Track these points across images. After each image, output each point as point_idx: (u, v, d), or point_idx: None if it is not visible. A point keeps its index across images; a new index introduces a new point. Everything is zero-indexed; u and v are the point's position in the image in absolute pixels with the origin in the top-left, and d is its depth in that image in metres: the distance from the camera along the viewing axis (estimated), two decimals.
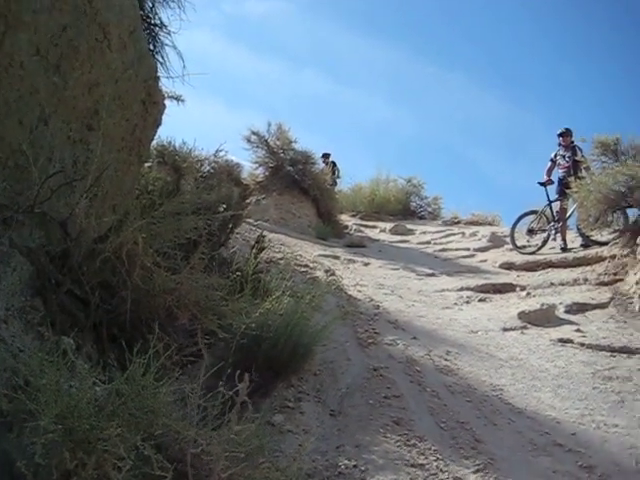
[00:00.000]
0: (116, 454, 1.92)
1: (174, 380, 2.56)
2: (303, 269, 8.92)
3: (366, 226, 17.35)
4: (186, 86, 5.46)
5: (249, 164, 15.66)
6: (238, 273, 4.78)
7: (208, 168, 7.08)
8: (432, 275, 10.52)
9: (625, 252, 9.39)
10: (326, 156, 19.52)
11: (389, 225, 17.09)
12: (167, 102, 4.94)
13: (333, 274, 9.33)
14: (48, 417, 1.98)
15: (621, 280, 8.99)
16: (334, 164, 19.68)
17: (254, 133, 15.43)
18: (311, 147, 16.51)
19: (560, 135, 12.22)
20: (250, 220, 10.79)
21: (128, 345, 2.65)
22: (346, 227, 16.18)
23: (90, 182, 3.47)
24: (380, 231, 16.73)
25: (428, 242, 14.74)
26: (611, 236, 10.25)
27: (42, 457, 1.94)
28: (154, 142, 5.49)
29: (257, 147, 15.50)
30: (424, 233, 16.07)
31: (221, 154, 7.39)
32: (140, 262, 3.33)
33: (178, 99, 5.67)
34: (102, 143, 3.59)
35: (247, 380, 2.45)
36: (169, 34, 5.52)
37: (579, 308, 8.39)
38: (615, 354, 6.85)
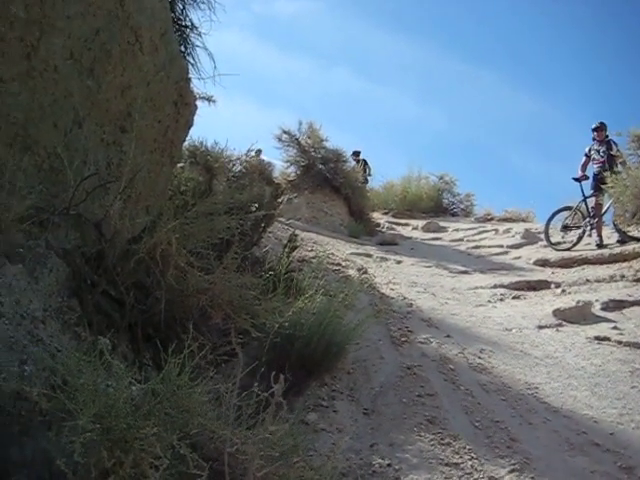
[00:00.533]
0: (153, 453, 1.94)
1: (209, 379, 2.58)
2: (335, 267, 8.93)
3: (398, 224, 17.30)
4: (217, 86, 5.51)
5: (281, 163, 15.75)
6: (271, 272, 4.80)
7: (240, 167, 7.09)
8: (465, 272, 10.46)
9: None
10: (356, 154, 19.51)
11: (421, 222, 17.01)
12: (198, 103, 4.98)
13: (365, 272, 9.33)
14: (86, 416, 2.01)
15: None
16: (365, 162, 19.65)
17: (285, 132, 15.49)
18: (342, 145, 16.55)
19: (594, 130, 12.03)
20: (282, 219, 10.84)
21: (163, 345, 2.68)
22: (378, 225, 16.15)
23: (124, 184, 3.51)
24: (412, 229, 16.66)
25: (461, 239, 14.65)
26: None
27: (81, 456, 1.97)
28: (186, 143, 5.55)
29: (288, 146, 15.56)
30: (457, 230, 15.98)
31: (252, 153, 7.41)
32: (174, 262, 3.36)
33: (209, 100, 5.72)
34: (135, 145, 3.63)
35: (282, 381, 2.46)
36: (200, 35, 5.58)
37: (616, 305, 8.27)
38: None
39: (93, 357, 2.35)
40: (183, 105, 4.51)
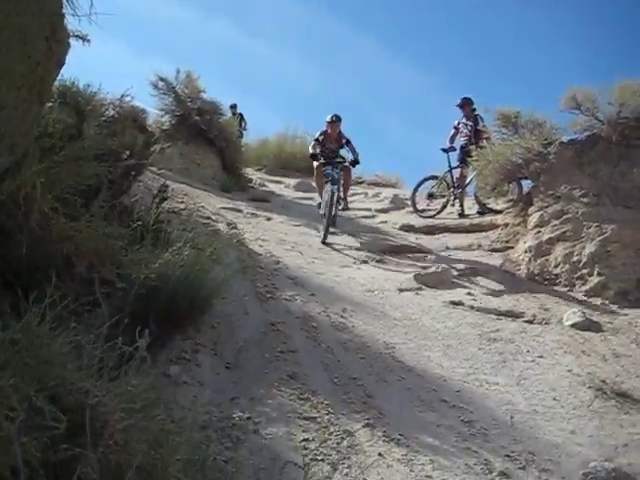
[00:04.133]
0: (8, 405, 1.88)
1: (70, 330, 2.51)
2: (205, 221, 8.84)
3: (271, 181, 17.29)
4: (93, 26, 5.20)
5: (155, 111, 15.17)
6: (139, 222, 4.68)
7: (112, 112, 6.80)
8: (333, 234, 10.65)
9: (517, 221, 9.89)
10: (234, 107, 19.28)
11: (294, 181, 17.09)
12: (72, 41, 4.70)
13: (235, 227, 9.30)
14: None
15: (511, 248, 9.47)
16: (241, 116, 19.47)
17: (162, 79, 14.90)
18: (219, 98, 16.16)
19: (459, 106, 12.58)
20: (153, 168, 10.54)
21: (24, 292, 2.58)
22: (250, 181, 16.03)
23: None
24: (285, 187, 16.70)
25: None
26: (505, 205, 10.76)
27: None
28: (57, 82, 5.25)
29: (164, 94, 14.99)
30: None
31: (127, 99, 7.11)
32: (38, 207, 3.22)
33: (84, 39, 5.40)
34: (0, 79, 3.41)
35: (147, 336, 2.44)
36: None
37: (472, 272, 8.78)
38: (501, 317, 7.26)
39: None
40: (55, 42, 4.24)
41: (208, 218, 9.21)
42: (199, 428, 3.03)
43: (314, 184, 12.23)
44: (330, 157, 11.28)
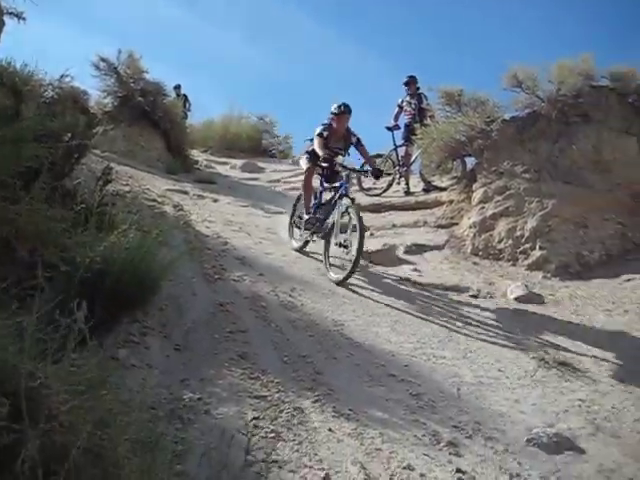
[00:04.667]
0: None
1: (11, 314, 2.46)
2: (151, 203, 8.72)
3: (217, 162, 17.14)
4: (27, 2, 5.07)
5: (97, 92, 14.79)
6: (83, 205, 4.59)
7: (52, 93, 6.62)
8: (280, 213, 10.64)
9: (461, 198, 10.04)
10: (178, 88, 19.01)
11: (240, 162, 16.98)
12: (6, 19, 4.57)
13: (181, 209, 9.20)
14: None
15: (456, 224, 9.61)
16: (185, 97, 19.21)
17: (103, 60, 14.53)
18: (163, 78, 15.87)
19: (405, 84, 12.63)
20: (97, 151, 10.33)
21: None
22: (196, 162, 15.83)
23: None
24: (230, 167, 16.60)
25: (278, 180, 14.84)
26: (450, 182, 10.90)
27: None
28: None
29: (106, 75, 14.62)
30: (275, 171, 16.15)
31: (66, 80, 6.92)
32: None
33: (19, 16, 5.25)
34: None
35: (85, 308, 2.39)
36: None
37: (418, 249, 8.91)
38: (447, 292, 7.38)
39: None
40: None
41: (154, 200, 9.09)
42: (148, 409, 3.01)
43: (301, 191, 9.21)
44: (332, 160, 8.51)
